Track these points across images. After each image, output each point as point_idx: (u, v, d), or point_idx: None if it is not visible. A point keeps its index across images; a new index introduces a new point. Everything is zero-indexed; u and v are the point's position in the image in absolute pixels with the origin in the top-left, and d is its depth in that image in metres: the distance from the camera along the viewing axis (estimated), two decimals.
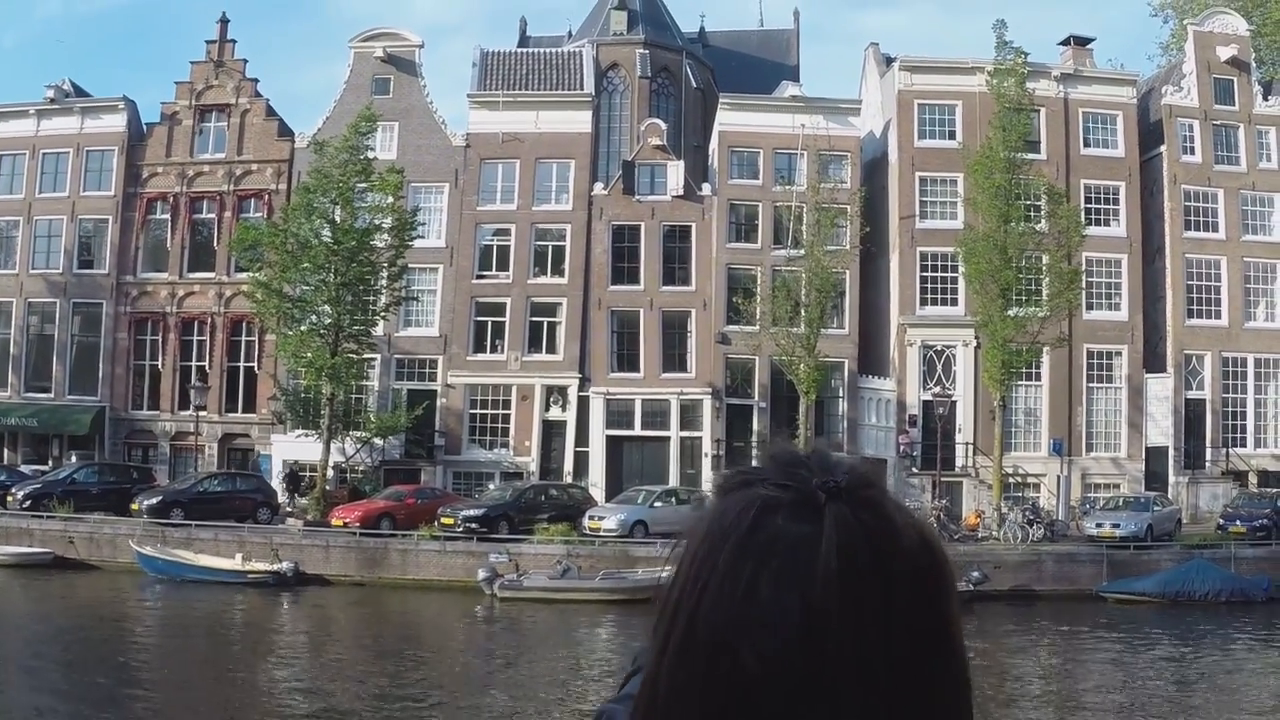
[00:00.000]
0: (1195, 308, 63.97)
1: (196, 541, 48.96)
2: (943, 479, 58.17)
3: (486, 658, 37.20)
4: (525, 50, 72.94)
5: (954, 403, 60.87)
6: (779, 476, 1.52)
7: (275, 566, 47.03)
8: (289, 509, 55.36)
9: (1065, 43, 67.39)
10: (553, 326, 63.92)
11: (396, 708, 28.24)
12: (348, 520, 50.56)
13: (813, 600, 1.40)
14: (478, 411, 63.63)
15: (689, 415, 62.51)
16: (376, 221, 56.22)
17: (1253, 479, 62.03)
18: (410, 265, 58.71)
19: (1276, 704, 30.99)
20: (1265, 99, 66.53)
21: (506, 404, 63.26)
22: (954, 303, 62.15)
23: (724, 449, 61.52)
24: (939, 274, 62.72)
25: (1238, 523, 51.33)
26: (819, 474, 1.51)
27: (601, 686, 32.36)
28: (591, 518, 51.38)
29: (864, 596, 1.42)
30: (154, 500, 51.74)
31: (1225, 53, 65.57)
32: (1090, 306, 62.52)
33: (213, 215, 66.38)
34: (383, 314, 58.04)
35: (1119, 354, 63.51)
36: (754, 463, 1.60)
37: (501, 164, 65.25)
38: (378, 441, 59.21)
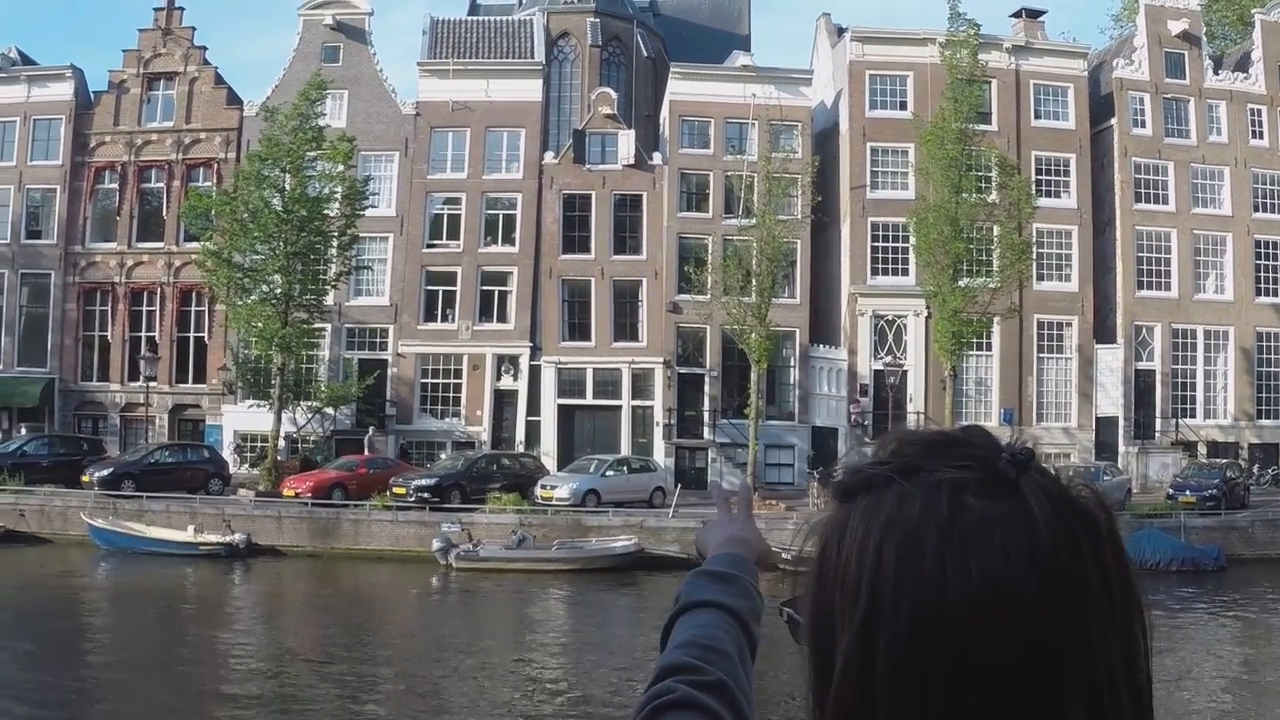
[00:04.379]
0: (1145, 279, 64.36)
1: (148, 513, 48.67)
2: None
3: (446, 629, 37.17)
4: (475, 18, 72.47)
5: (905, 372, 61.15)
6: (949, 458, 1.51)
7: (227, 538, 46.71)
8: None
9: (1017, 15, 67.49)
10: (504, 295, 63.79)
11: (356, 681, 28.16)
12: (299, 491, 50.32)
13: (1044, 569, 1.41)
14: (429, 381, 63.50)
15: (640, 384, 62.51)
16: (327, 190, 55.95)
17: (1202, 449, 62.64)
18: (360, 234, 58.37)
19: (1237, 673, 31.25)
20: (1216, 73, 66.92)
21: (458, 373, 63.13)
22: (905, 273, 62.28)
23: (675, 418, 61.62)
24: (890, 244, 62.86)
25: (1187, 492, 51.62)
26: (992, 451, 1.52)
27: (561, 656, 32.42)
28: (543, 487, 51.46)
29: (1085, 558, 1.45)
30: (105, 472, 51.24)
31: (1176, 26, 65.84)
32: (1041, 278, 62.82)
33: (161, 184, 65.84)
34: (333, 283, 57.72)
35: (1069, 325, 63.85)
36: (886, 449, 1.57)
37: (452, 133, 65.00)
38: (329, 411, 59.08)
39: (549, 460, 59.04)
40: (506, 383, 63.24)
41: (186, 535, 47.08)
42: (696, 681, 1.90)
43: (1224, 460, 58.91)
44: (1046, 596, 1.40)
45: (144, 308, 64.85)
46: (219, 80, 67.09)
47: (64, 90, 66.52)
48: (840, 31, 68.15)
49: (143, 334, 64.13)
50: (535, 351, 62.80)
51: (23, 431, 60.52)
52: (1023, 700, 1.40)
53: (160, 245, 64.89)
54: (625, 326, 63.18)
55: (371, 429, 61.50)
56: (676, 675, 1.91)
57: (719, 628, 2.01)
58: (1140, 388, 63.75)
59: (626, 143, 63.96)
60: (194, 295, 64.05)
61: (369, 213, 58.82)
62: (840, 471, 1.62)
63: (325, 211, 55.61)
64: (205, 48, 67.30)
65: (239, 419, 61.03)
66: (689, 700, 1.87)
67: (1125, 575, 1.49)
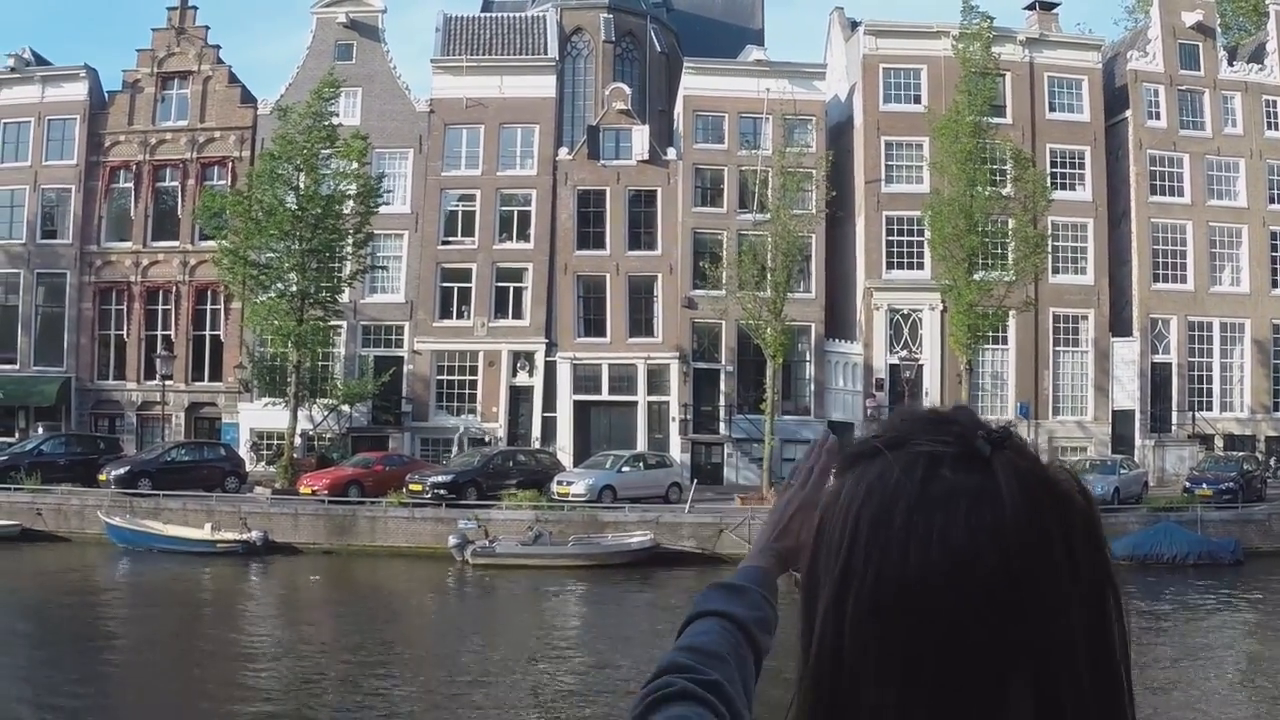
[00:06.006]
0: (1161, 272, 64.28)
1: (165, 511, 48.78)
2: None
3: (463, 625, 37.20)
4: (489, 15, 72.52)
5: (920, 366, 61.14)
6: (932, 434, 1.56)
7: (244, 536, 46.79)
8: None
9: (1031, 7, 67.41)
10: (519, 292, 63.87)
11: (373, 677, 28.19)
12: (316, 488, 50.42)
13: (1007, 543, 1.45)
14: (445, 378, 63.58)
15: (656, 380, 62.52)
16: (342, 188, 56.01)
17: (1218, 442, 62.52)
18: (375, 231, 58.53)
19: (1253, 667, 31.18)
20: (1230, 64, 66.81)
21: (473, 370, 63.22)
22: (920, 267, 62.22)
23: (691, 413, 61.63)
24: (905, 238, 62.82)
25: (1204, 485, 51.48)
26: (972, 428, 1.56)
27: (577, 652, 32.40)
28: (560, 483, 51.46)
29: (1051, 537, 1.48)
30: (122, 470, 51.43)
31: (1190, 18, 65.73)
32: (1056, 271, 62.77)
33: (176, 183, 65.99)
34: (349, 281, 57.76)
35: (1085, 318, 63.78)
36: (886, 427, 1.62)
37: (466, 129, 65.09)
38: (345, 409, 59.18)
39: (565, 456, 59.16)
40: (522, 379, 63.31)
41: (203, 533, 47.18)
42: (694, 679, 1.94)
43: (1241, 453, 58.90)
44: (1005, 570, 1.44)
45: (160, 306, 65.00)
46: (233, 79, 67.23)
47: (78, 90, 66.67)
48: (854, 25, 68.10)
49: (159, 333, 64.30)
50: (551, 348, 62.86)
51: (40, 430, 60.68)
52: (972, 667, 1.44)
53: (175, 244, 65.04)
54: (640, 322, 63.20)
55: (463, 427, 62.13)
56: (674, 673, 1.96)
57: (718, 634, 2.06)
58: (1156, 381, 63.66)
59: (640, 138, 63.95)
60: (209, 294, 64.23)
61: (384, 210, 58.91)
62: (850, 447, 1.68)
63: (340, 209, 55.67)
64: (219, 46, 67.45)
65: (255, 417, 61.18)
66: (688, 693, 1.91)
67: (1098, 559, 1.52)
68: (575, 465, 56.48)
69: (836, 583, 1.51)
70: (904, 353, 61.09)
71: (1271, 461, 60.59)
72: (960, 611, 1.43)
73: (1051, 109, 64.83)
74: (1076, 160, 64.43)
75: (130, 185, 66.05)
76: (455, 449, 60.07)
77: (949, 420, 1.58)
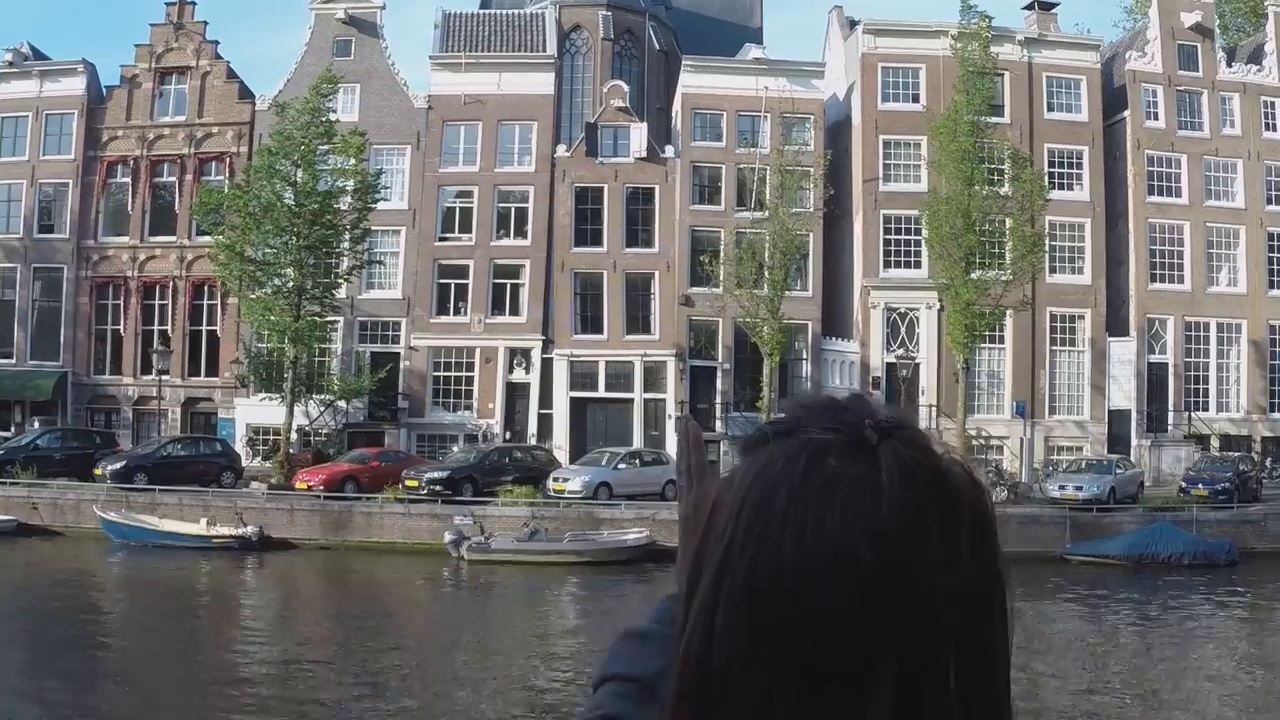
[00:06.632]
0: (1158, 272, 64.25)
1: (161, 506, 48.64)
2: None
3: (458, 621, 37.16)
4: (487, 12, 72.42)
5: (917, 365, 61.06)
6: (823, 421, 1.53)
7: (240, 531, 46.74)
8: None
9: (1030, 7, 67.32)
10: (516, 289, 63.90)
11: (368, 673, 28.17)
12: (312, 483, 50.33)
13: (882, 535, 1.42)
14: (441, 374, 63.59)
15: (653, 377, 62.51)
16: (339, 184, 56.03)
17: (1214, 442, 62.44)
18: (373, 227, 58.42)
19: (1248, 667, 31.17)
20: (1228, 65, 66.80)
21: (470, 366, 63.22)
22: (917, 265, 62.20)
23: (687, 410, 61.59)
24: (902, 237, 62.81)
25: (1200, 486, 51.51)
26: (863, 416, 1.52)
27: (571, 648, 32.40)
28: (556, 479, 51.36)
29: (929, 530, 1.44)
30: (118, 465, 51.31)
31: (1189, 19, 65.72)
32: (1053, 270, 62.75)
33: (173, 179, 65.92)
34: (345, 277, 57.77)
35: (1082, 317, 63.76)
36: (782, 414, 1.59)
37: (464, 126, 65.09)
38: (341, 404, 59.20)
39: (561, 453, 59.08)
40: (519, 376, 63.31)
41: (199, 528, 47.09)
42: None
43: (1236, 454, 58.87)
44: (879, 564, 1.42)
45: (156, 301, 65.01)
46: (231, 75, 67.19)
47: (76, 85, 66.64)
48: (852, 24, 68.06)
49: (155, 327, 64.34)
50: (547, 344, 62.84)
51: (35, 425, 60.61)
52: (841, 661, 1.42)
53: (173, 239, 65.03)
54: (637, 319, 63.19)
55: (485, 425, 62.27)
56: None
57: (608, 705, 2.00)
58: (1153, 381, 63.65)
59: (638, 136, 63.91)
60: (206, 289, 64.17)
61: (381, 206, 58.95)
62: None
63: (337, 205, 55.70)
64: (217, 42, 67.41)
65: (251, 412, 61.18)
66: None
67: (986, 555, 1.50)
68: (571, 462, 56.34)
69: (715, 570, 1.48)
70: (901, 351, 61.08)
71: (1267, 462, 60.61)
72: (832, 603, 1.41)
73: (1050, 109, 64.81)
74: (1074, 160, 64.42)
75: (127, 180, 66.02)
76: (478, 441, 60.05)
77: (841, 408, 1.56)
